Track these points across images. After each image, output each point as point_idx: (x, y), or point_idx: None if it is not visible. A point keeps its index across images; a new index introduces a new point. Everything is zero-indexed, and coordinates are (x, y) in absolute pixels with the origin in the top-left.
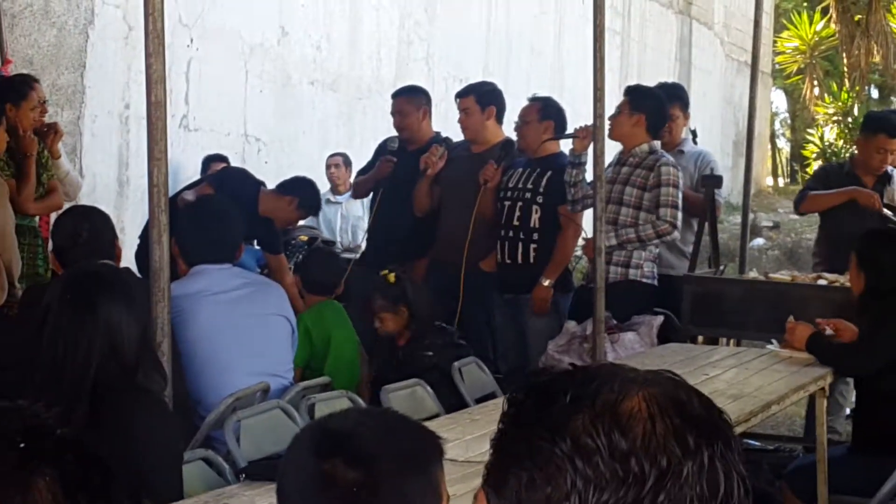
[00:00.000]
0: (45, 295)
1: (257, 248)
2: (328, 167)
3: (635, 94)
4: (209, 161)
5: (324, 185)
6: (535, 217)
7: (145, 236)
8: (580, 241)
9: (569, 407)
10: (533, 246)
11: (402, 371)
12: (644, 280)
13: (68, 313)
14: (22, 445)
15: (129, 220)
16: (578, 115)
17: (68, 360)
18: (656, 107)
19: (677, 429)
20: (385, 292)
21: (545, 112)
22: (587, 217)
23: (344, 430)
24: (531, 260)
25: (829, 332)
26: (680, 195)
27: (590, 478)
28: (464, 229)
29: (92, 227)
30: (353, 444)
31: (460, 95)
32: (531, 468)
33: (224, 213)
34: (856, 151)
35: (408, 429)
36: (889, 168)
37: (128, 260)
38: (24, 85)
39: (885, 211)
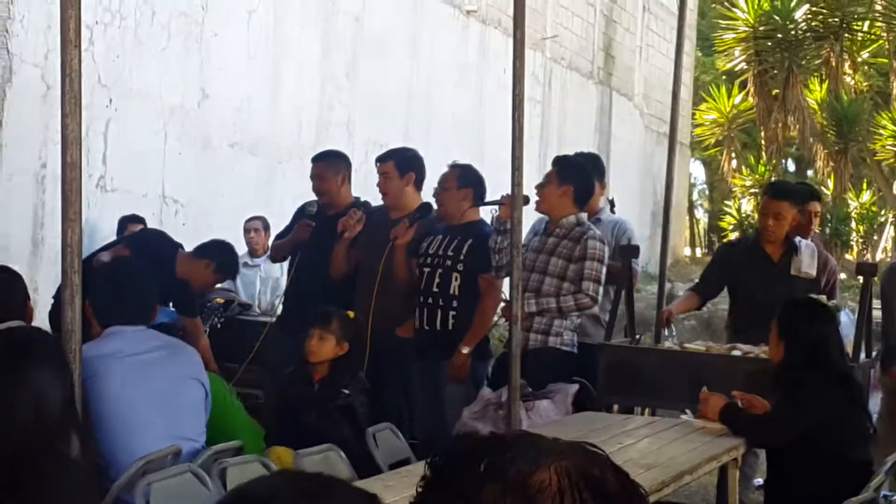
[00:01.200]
0: None
1: (172, 310)
2: (246, 231)
3: (563, 166)
4: (126, 222)
5: (242, 248)
6: (454, 284)
7: (59, 297)
8: (500, 305)
9: (482, 476)
10: (452, 313)
11: (320, 403)
12: (563, 348)
13: None
14: None
15: (43, 280)
16: (499, 182)
17: None
18: (584, 178)
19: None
20: (343, 320)
21: (464, 179)
22: (507, 284)
23: (262, 497)
24: (449, 327)
25: (740, 404)
26: (604, 270)
27: None
28: (374, 288)
29: (3, 286)
30: None
31: (380, 160)
32: None
33: (139, 275)
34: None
35: (328, 487)
36: (797, 239)
37: (41, 320)
38: None
39: None
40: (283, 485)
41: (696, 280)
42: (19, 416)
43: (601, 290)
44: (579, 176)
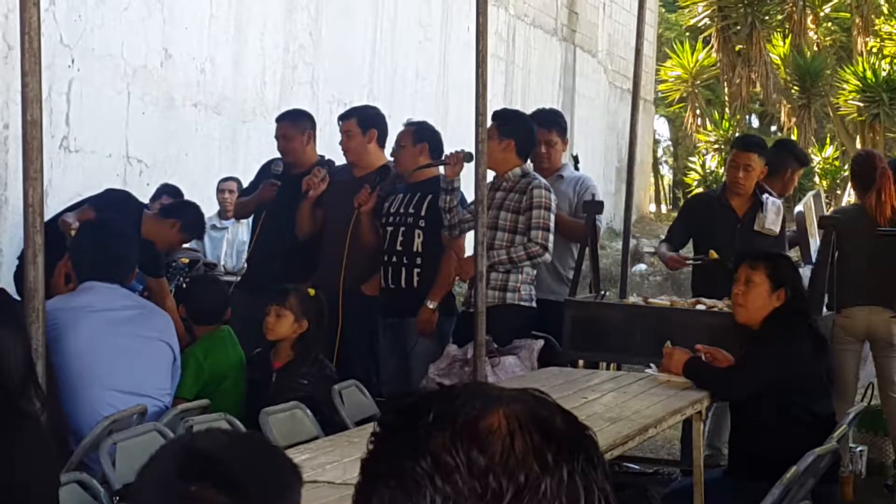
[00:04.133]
0: None
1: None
2: (220, 191)
3: (503, 119)
4: (161, 194)
5: (210, 209)
6: (417, 241)
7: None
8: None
9: (430, 425)
10: (416, 270)
11: (276, 396)
12: (521, 303)
13: None
14: None
15: (7, 242)
16: (463, 140)
17: None
18: (524, 130)
19: (536, 445)
20: (301, 297)
21: (419, 135)
22: (468, 241)
23: (212, 453)
24: (415, 284)
25: (704, 357)
26: (552, 217)
27: (448, 494)
28: (342, 253)
29: None
30: (221, 468)
31: (342, 118)
32: (394, 487)
33: (123, 234)
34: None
35: (273, 454)
36: (764, 196)
37: (6, 282)
38: None
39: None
40: (234, 445)
41: (663, 236)
42: None
43: (551, 237)
44: (520, 128)
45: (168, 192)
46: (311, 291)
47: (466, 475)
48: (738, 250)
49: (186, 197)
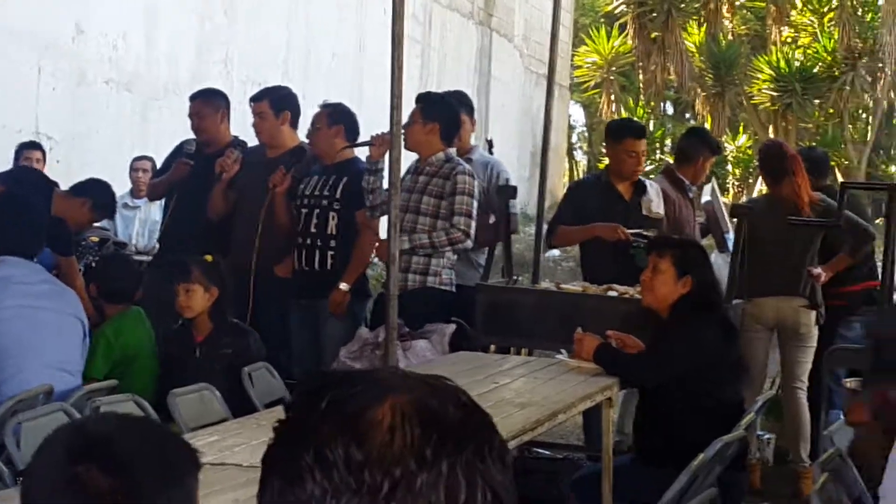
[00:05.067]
0: None
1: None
2: (134, 170)
3: (427, 102)
4: (22, 149)
5: (122, 187)
6: (332, 224)
7: None
8: (375, 246)
9: (321, 415)
10: (330, 253)
11: (202, 369)
12: (442, 287)
13: None
14: None
15: None
16: (377, 123)
17: None
18: (449, 114)
19: (416, 439)
20: (203, 267)
21: (334, 118)
22: (384, 223)
23: (100, 435)
24: (328, 266)
25: (614, 343)
26: (475, 204)
27: (326, 488)
28: (255, 234)
29: None
30: (108, 450)
31: (255, 100)
32: (281, 477)
33: (36, 209)
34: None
35: (166, 439)
36: (647, 181)
37: None
38: None
39: (632, 236)
40: (124, 428)
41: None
42: None
43: (473, 224)
44: (444, 111)
45: (28, 146)
46: (209, 258)
47: (343, 470)
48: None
49: (97, 175)
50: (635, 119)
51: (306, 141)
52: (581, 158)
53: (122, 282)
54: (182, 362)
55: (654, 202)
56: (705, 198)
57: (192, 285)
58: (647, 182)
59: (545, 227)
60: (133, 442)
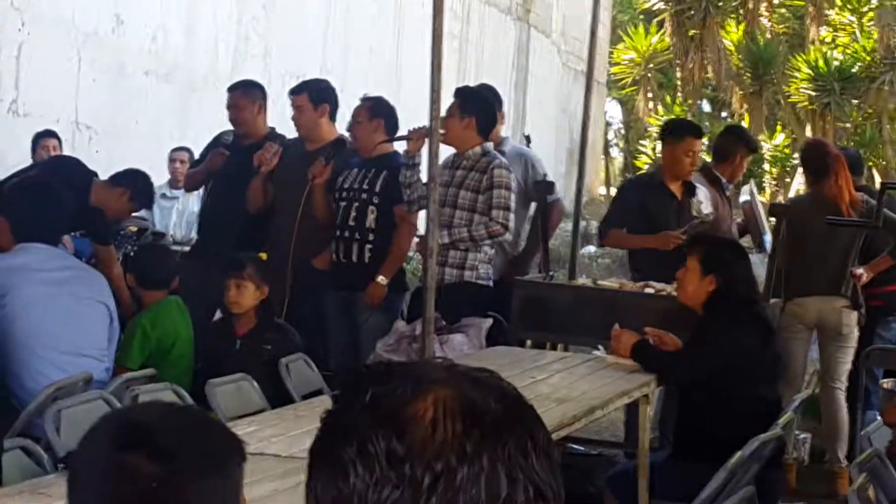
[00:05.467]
0: None
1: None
2: (172, 161)
3: (465, 97)
4: (39, 138)
5: (160, 178)
6: (370, 217)
7: None
8: (414, 240)
9: (364, 408)
10: (368, 246)
11: (242, 361)
12: (479, 282)
13: None
14: None
15: None
16: (415, 116)
17: None
18: (486, 109)
19: (457, 434)
20: (256, 264)
21: (375, 111)
22: (422, 217)
23: (146, 423)
24: (366, 259)
25: (652, 340)
26: (513, 197)
27: (368, 482)
28: (293, 226)
29: None
30: (154, 438)
31: (294, 92)
32: (325, 469)
33: (55, 195)
34: (661, 162)
35: (211, 428)
36: (695, 181)
37: None
38: None
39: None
40: (170, 417)
41: (605, 220)
42: None
43: (512, 217)
44: (482, 106)
45: (46, 135)
46: (263, 256)
47: (385, 463)
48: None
49: (136, 166)
50: (743, 132)
51: (346, 134)
52: (617, 155)
53: (158, 269)
54: (222, 354)
55: (704, 203)
56: (743, 197)
57: (244, 281)
58: (696, 183)
59: (582, 223)
60: (179, 431)
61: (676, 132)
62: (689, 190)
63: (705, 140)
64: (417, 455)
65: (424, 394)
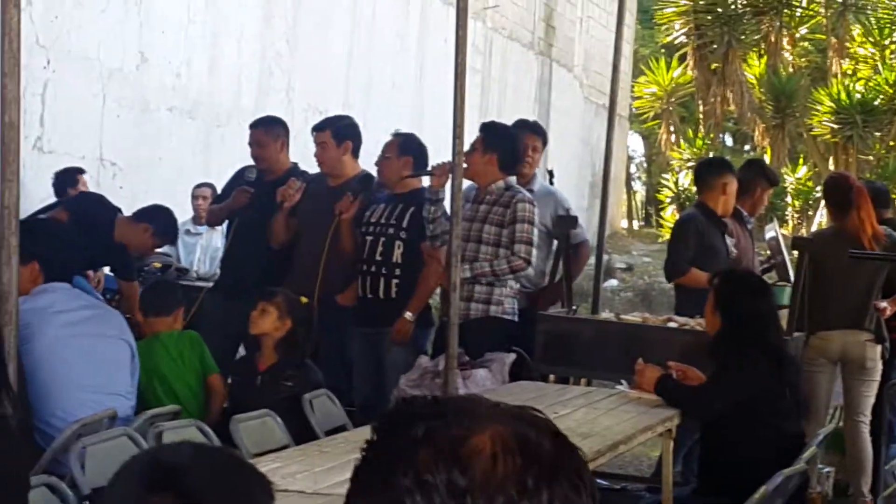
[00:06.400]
0: None
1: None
2: (195, 197)
3: (489, 132)
4: (67, 174)
5: (184, 214)
6: (397, 252)
7: None
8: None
9: (418, 440)
10: (395, 281)
11: (262, 397)
12: (504, 317)
13: None
14: None
15: None
16: (437, 152)
17: None
18: (510, 145)
19: (518, 468)
20: (289, 299)
21: (405, 147)
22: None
23: (176, 464)
24: (392, 295)
25: (675, 375)
26: (535, 231)
27: None
28: (318, 262)
29: None
30: (185, 480)
31: (317, 129)
32: (376, 497)
33: (63, 235)
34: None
35: (241, 469)
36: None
37: None
38: None
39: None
40: (200, 458)
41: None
42: None
43: (534, 251)
44: (505, 142)
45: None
46: (304, 300)
47: (446, 495)
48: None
49: (160, 202)
50: (763, 166)
51: (374, 168)
52: (639, 189)
53: (157, 294)
54: (243, 389)
55: (731, 242)
56: (769, 234)
57: (270, 307)
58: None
59: (604, 256)
60: (208, 472)
61: (731, 170)
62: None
63: None
64: (480, 488)
65: (482, 429)
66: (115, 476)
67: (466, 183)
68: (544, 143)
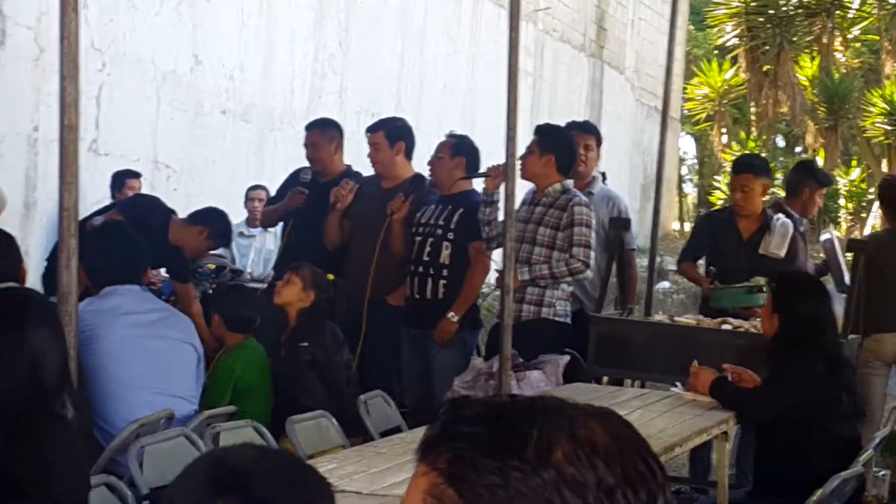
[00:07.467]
0: None
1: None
2: (251, 199)
3: (545, 134)
4: (122, 177)
5: (238, 216)
6: (445, 253)
7: (52, 259)
8: (493, 275)
9: (544, 437)
10: (442, 282)
11: (286, 368)
12: (557, 319)
13: None
14: None
15: (35, 243)
16: (488, 154)
17: None
18: (565, 146)
19: (647, 465)
20: (314, 272)
21: (458, 149)
22: (498, 254)
23: (242, 467)
24: (440, 296)
25: (730, 377)
26: (593, 234)
27: None
28: (370, 263)
29: None
30: (249, 483)
31: (370, 130)
32: (511, 495)
33: (128, 236)
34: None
35: (304, 472)
36: (775, 218)
37: (32, 283)
38: None
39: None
40: (264, 461)
41: (682, 251)
42: (17, 379)
43: (592, 254)
44: (561, 143)
45: (129, 175)
46: (330, 277)
47: (595, 490)
48: (742, 273)
49: (214, 203)
50: (756, 154)
51: (425, 169)
52: (690, 191)
53: (245, 312)
54: (274, 368)
55: (775, 242)
56: (825, 236)
57: (295, 277)
58: (779, 220)
59: (657, 258)
60: (273, 473)
61: (732, 167)
62: (764, 227)
63: (779, 175)
64: (627, 484)
65: (603, 427)
66: (179, 478)
67: (525, 185)
68: (598, 141)
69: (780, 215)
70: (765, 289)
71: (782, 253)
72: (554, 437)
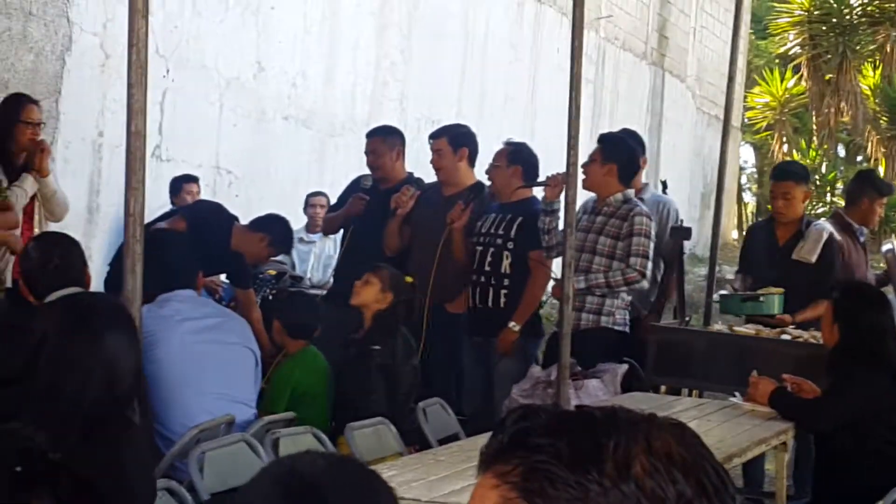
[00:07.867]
0: (36, 319)
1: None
2: (311, 205)
3: (607, 144)
4: (181, 182)
5: (298, 222)
6: (506, 262)
7: (115, 264)
8: (550, 284)
9: (622, 450)
10: (503, 291)
11: (354, 369)
12: (616, 328)
13: (69, 341)
14: (18, 468)
15: (98, 248)
16: (549, 162)
17: (66, 388)
18: (628, 156)
19: (720, 476)
20: (394, 274)
21: (514, 157)
22: (558, 263)
23: (313, 476)
24: (501, 304)
25: (789, 387)
26: (652, 245)
27: None
28: (430, 270)
29: (63, 253)
30: (321, 493)
31: (434, 136)
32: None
33: (178, 243)
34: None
35: (372, 481)
36: (814, 223)
37: (96, 288)
38: (20, 104)
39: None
40: (334, 470)
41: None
42: (94, 384)
43: (650, 265)
44: (623, 153)
45: (187, 180)
46: (409, 279)
47: (674, 502)
48: (773, 279)
49: (274, 210)
50: (795, 161)
51: (486, 177)
52: (749, 200)
53: (306, 318)
54: (343, 366)
55: (806, 247)
56: (886, 247)
57: (374, 278)
58: (817, 227)
59: (717, 268)
60: (343, 483)
61: (772, 174)
62: (800, 234)
63: (840, 186)
64: (703, 496)
65: (677, 439)
66: (247, 486)
67: (586, 194)
68: (643, 150)
69: (819, 221)
70: (762, 297)
71: (813, 258)
72: (631, 450)
